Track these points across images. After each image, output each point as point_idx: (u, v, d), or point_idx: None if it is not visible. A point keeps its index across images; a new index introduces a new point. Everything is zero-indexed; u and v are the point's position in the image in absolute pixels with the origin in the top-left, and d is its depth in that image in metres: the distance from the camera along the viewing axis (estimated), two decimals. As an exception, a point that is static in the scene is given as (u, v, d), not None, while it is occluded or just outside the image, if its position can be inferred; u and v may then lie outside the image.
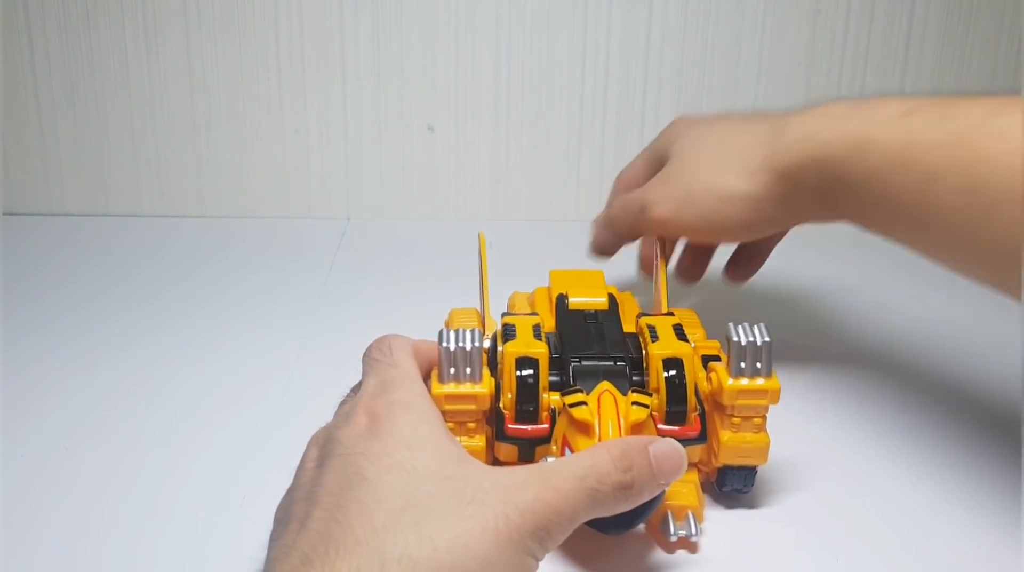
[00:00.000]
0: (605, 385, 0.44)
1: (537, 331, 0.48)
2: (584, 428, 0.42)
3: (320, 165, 0.89)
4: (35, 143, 0.88)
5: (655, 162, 0.60)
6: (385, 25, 0.85)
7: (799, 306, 0.73)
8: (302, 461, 0.40)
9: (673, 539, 0.44)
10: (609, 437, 0.41)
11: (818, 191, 0.50)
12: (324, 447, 0.39)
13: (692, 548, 0.45)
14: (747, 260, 0.64)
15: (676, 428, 0.46)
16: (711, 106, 0.88)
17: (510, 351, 0.46)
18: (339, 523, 0.34)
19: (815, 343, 0.67)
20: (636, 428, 0.42)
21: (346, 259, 0.81)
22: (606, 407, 0.43)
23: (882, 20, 0.87)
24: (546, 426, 0.46)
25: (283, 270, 0.79)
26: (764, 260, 0.64)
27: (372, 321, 0.69)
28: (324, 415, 0.57)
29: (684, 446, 0.46)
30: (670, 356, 0.46)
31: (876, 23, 0.87)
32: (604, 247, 0.63)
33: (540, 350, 0.46)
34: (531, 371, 0.46)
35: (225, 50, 0.85)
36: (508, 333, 0.48)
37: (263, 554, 0.45)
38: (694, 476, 0.47)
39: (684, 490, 0.46)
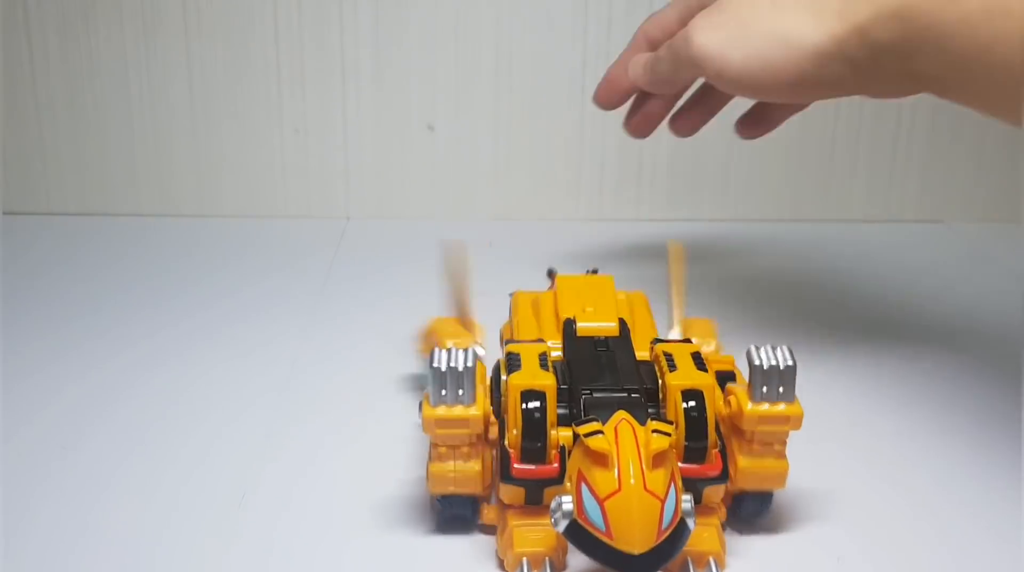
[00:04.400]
0: (622, 414, 0.41)
1: (543, 361, 0.45)
2: (601, 459, 0.39)
3: (320, 165, 0.89)
4: (34, 143, 0.88)
5: (691, 8, 0.53)
6: (385, 25, 0.85)
7: (816, 313, 0.73)
8: None
9: None
10: (629, 469, 0.38)
11: (895, 48, 0.44)
12: None
13: None
14: (761, 117, 0.59)
15: (695, 465, 0.43)
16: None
17: (515, 384, 0.43)
18: None
19: (820, 349, 0.67)
20: (658, 458, 0.39)
21: (346, 259, 0.81)
22: (624, 437, 0.39)
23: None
24: (556, 466, 0.43)
25: (283, 270, 0.79)
26: (779, 123, 0.59)
27: (372, 321, 0.69)
28: (323, 414, 0.57)
29: (704, 487, 0.43)
30: (689, 387, 0.43)
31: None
32: (613, 93, 0.59)
33: (547, 382, 0.43)
34: (537, 404, 0.43)
35: (225, 50, 0.85)
36: (512, 363, 0.45)
37: (262, 554, 0.45)
38: (715, 520, 0.44)
39: (705, 535, 0.43)
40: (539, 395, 0.43)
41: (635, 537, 0.38)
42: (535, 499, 0.43)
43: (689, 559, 0.42)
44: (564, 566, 0.44)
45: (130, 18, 0.85)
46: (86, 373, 0.61)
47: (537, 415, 0.42)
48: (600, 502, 0.38)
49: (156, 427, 0.55)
